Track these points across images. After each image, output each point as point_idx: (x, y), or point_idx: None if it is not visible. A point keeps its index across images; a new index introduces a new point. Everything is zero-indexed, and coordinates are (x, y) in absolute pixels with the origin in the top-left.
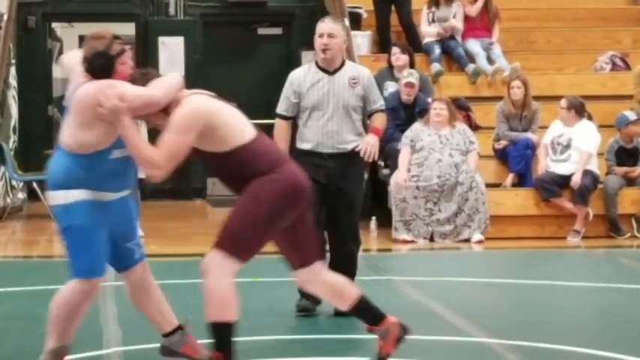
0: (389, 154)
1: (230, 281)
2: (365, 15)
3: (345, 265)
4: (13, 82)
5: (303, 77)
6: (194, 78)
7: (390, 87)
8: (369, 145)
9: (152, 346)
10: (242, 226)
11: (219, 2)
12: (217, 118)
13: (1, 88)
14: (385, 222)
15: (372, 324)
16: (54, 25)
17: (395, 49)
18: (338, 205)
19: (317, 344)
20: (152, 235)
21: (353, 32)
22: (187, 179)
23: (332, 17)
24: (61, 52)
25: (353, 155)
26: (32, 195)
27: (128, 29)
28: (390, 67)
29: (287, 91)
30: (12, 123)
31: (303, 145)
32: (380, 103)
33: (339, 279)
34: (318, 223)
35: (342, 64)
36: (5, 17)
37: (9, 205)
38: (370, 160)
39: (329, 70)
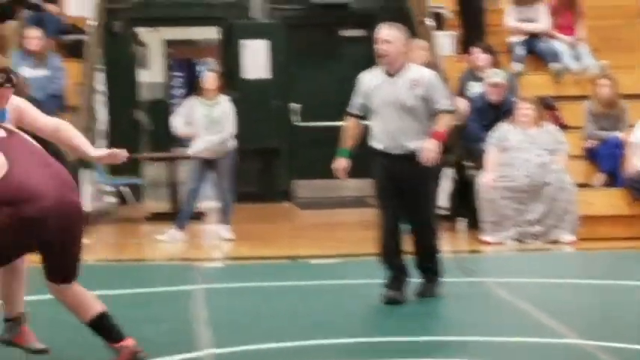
0: (475, 155)
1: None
2: (448, 15)
3: (426, 259)
4: (101, 87)
5: (369, 79)
6: (278, 81)
7: (474, 87)
8: (426, 151)
9: (244, 348)
10: None
11: (302, 5)
12: None
13: (89, 93)
14: (472, 223)
15: (110, 342)
16: (139, 29)
17: (475, 49)
18: (411, 203)
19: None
20: (241, 238)
21: (436, 32)
22: (273, 182)
23: (389, 23)
24: (146, 57)
25: (417, 155)
26: (122, 199)
27: (212, 33)
28: (473, 67)
29: (356, 92)
30: (100, 127)
31: (374, 144)
32: (442, 103)
33: (85, 293)
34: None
35: (404, 67)
36: (93, 23)
37: (99, 209)
38: (430, 165)
39: (391, 73)
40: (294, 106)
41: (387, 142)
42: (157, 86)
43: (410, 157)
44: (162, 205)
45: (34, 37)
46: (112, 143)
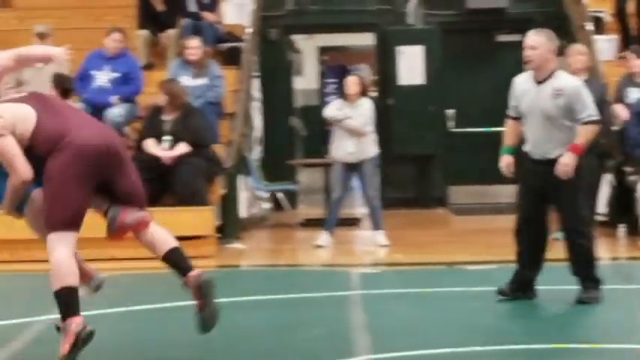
0: (636, 160)
1: (67, 252)
2: (608, 19)
3: (582, 265)
4: (256, 94)
5: (519, 84)
6: (433, 86)
7: (632, 93)
8: (562, 164)
9: (400, 354)
10: (50, 206)
11: (458, 10)
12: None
13: (245, 100)
14: (632, 229)
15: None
16: (294, 37)
17: (630, 54)
18: (558, 209)
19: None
20: (395, 244)
21: (596, 37)
22: (428, 188)
23: (538, 30)
24: (300, 64)
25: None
26: (277, 205)
27: (367, 39)
28: (630, 73)
29: (511, 95)
30: (256, 134)
31: (525, 146)
32: (585, 114)
33: (159, 231)
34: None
35: (552, 75)
36: (249, 31)
37: (255, 215)
38: (566, 179)
39: (539, 80)
40: (450, 112)
41: (532, 148)
42: (311, 93)
43: (549, 163)
44: (317, 211)
45: (194, 47)
46: (267, 149)
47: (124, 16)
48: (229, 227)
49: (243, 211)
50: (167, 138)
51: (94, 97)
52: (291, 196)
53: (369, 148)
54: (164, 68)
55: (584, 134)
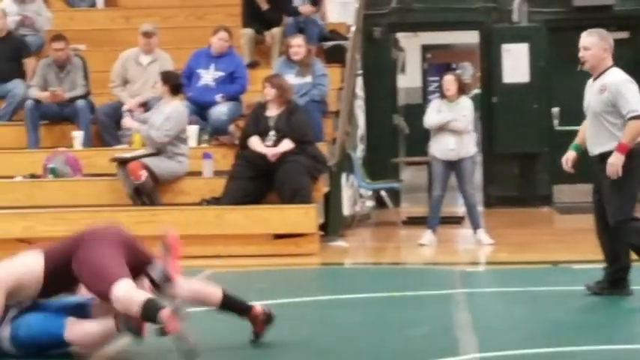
0: None
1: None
2: None
3: (619, 256)
4: (360, 92)
5: (588, 84)
6: (538, 84)
7: None
8: (610, 165)
9: (506, 353)
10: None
11: (564, 7)
12: None
13: (349, 98)
14: None
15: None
16: (398, 35)
17: None
18: (606, 204)
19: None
20: (500, 243)
21: None
22: (532, 186)
23: (589, 30)
24: (404, 62)
25: (605, 159)
26: (380, 203)
27: (472, 37)
28: None
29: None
30: (359, 132)
31: None
32: (627, 111)
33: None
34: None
35: (604, 72)
36: (353, 29)
37: (358, 213)
38: (614, 178)
39: (594, 78)
40: (555, 110)
41: (588, 145)
42: (414, 91)
43: (600, 161)
44: (420, 209)
45: (298, 45)
46: (370, 147)
47: (229, 14)
48: (333, 225)
49: (346, 209)
50: (272, 134)
51: (199, 96)
52: (394, 194)
53: (469, 146)
54: (268, 67)
55: (628, 131)
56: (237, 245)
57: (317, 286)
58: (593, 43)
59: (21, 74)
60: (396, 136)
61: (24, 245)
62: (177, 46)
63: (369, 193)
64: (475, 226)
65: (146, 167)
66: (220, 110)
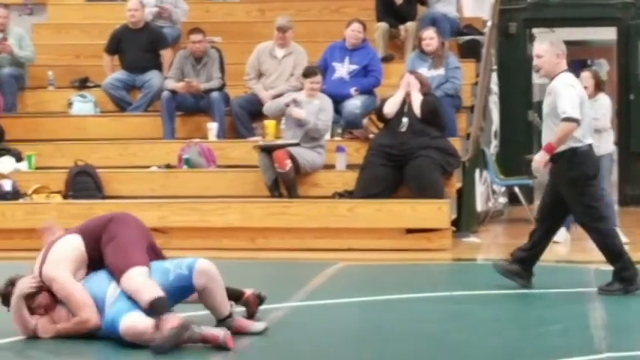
0: None
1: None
2: None
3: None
4: (494, 87)
5: None
6: None
7: None
8: (533, 162)
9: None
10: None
11: None
12: None
13: (483, 93)
14: None
15: None
16: (534, 30)
17: None
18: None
19: None
20: (636, 242)
21: None
22: None
23: (540, 38)
24: None
25: (556, 159)
26: (513, 199)
27: (609, 33)
28: None
29: None
30: (493, 128)
31: None
32: (561, 111)
33: None
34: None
35: (555, 77)
36: (489, 24)
37: (491, 209)
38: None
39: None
40: None
41: (542, 144)
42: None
43: (551, 160)
44: None
45: (430, 37)
46: (503, 143)
47: (363, 8)
48: (465, 221)
49: (479, 205)
50: (404, 120)
51: (333, 89)
52: (528, 191)
53: (608, 143)
54: (402, 61)
55: (558, 132)
56: (369, 239)
57: (449, 281)
58: (546, 50)
59: (157, 66)
60: (530, 132)
61: (158, 235)
62: (311, 39)
63: (502, 189)
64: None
65: (291, 156)
66: (354, 104)
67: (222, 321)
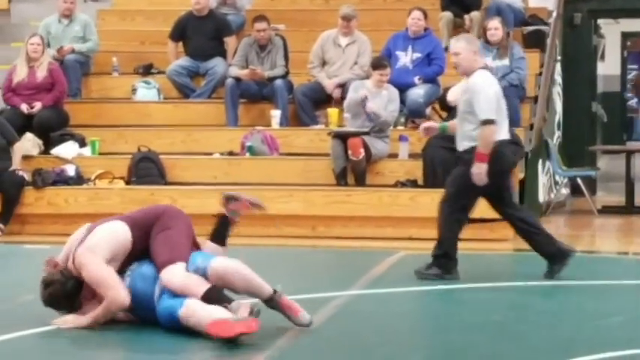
0: None
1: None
2: None
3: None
4: (558, 78)
5: None
6: None
7: None
8: (473, 176)
9: None
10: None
11: None
12: None
13: (547, 84)
14: None
15: None
16: (599, 21)
17: None
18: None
19: None
20: None
21: None
22: None
23: (456, 37)
24: (604, 49)
25: (462, 155)
26: (575, 190)
27: None
28: None
29: None
30: (556, 119)
31: None
32: (478, 113)
33: None
34: None
35: (472, 74)
36: (554, 14)
37: (553, 200)
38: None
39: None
40: None
41: (456, 139)
42: (613, 79)
43: (460, 157)
44: (616, 199)
45: (494, 27)
46: (566, 134)
47: None
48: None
49: (541, 195)
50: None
51: (397, 78)
52: (590, 183)
53: None
54: None
55: (480, 138)
56: (431, 228)
57: (510, 271)
58: (462, 48)
59: (222, 53)
60: (593, 123)
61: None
62: (375, 28)
63: (565, 180)
64: None
65: (364, 145)
66: (417, 92)
67: (267, 301)
